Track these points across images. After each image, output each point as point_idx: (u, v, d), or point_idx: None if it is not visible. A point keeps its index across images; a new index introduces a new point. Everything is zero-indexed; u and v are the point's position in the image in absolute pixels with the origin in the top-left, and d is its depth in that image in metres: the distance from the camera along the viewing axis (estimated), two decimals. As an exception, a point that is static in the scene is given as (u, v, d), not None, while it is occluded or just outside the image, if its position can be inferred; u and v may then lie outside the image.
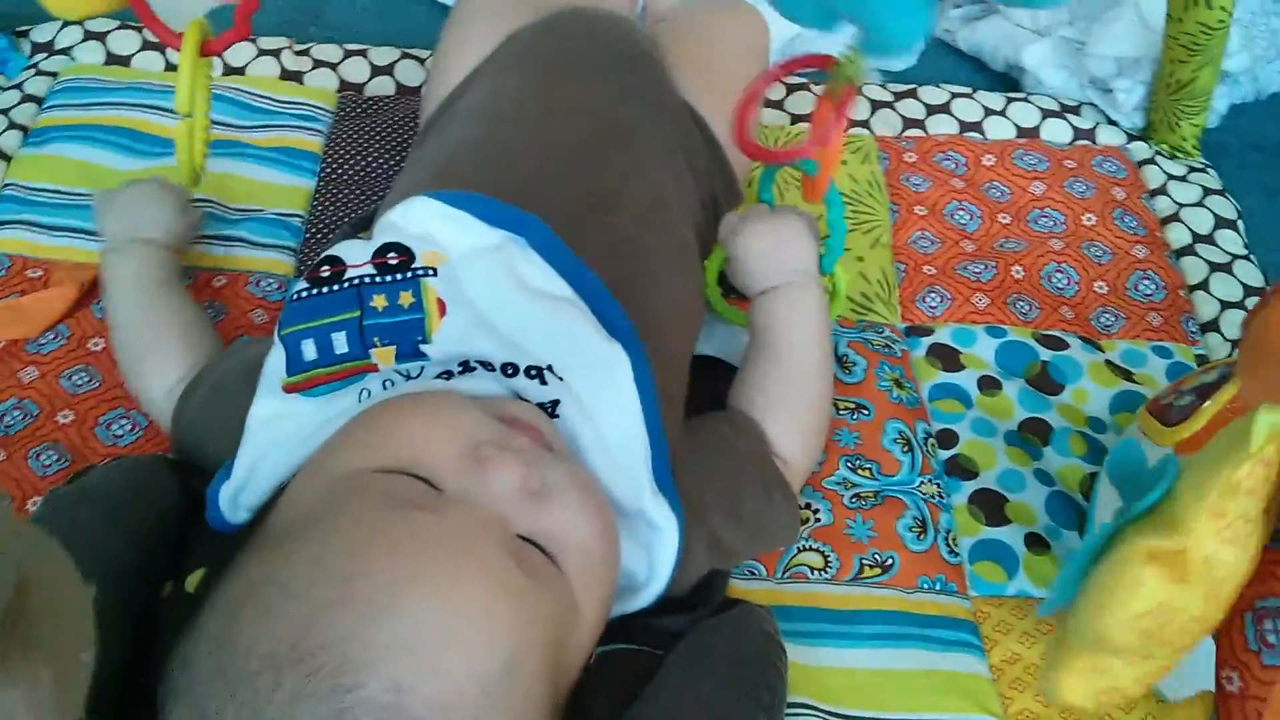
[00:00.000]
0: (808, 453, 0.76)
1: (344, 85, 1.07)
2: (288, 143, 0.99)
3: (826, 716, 0.68)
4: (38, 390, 0.80)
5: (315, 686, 0.47)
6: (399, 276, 0.65)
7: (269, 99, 1.03)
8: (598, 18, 0.91)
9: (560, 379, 0.64)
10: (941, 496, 0.80)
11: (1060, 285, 0.95)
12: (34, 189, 0.92)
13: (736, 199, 0.91)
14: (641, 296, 0.72)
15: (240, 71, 1.05)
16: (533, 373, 0.64)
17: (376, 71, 1.08)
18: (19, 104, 0.99)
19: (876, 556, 0.76)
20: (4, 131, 0.96)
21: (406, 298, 0.65)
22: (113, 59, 1.05)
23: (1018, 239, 0.98)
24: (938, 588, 0.76)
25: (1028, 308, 0.93)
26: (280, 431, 0.63)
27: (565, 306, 0.66)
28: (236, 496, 0.62)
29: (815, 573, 0.75)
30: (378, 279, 0.65)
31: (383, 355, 0.64)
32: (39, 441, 0.77)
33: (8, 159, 0.94)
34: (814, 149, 0.73)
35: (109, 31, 1.06)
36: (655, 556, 0.64)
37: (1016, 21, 1.16)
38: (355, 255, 0.66)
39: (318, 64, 1.08)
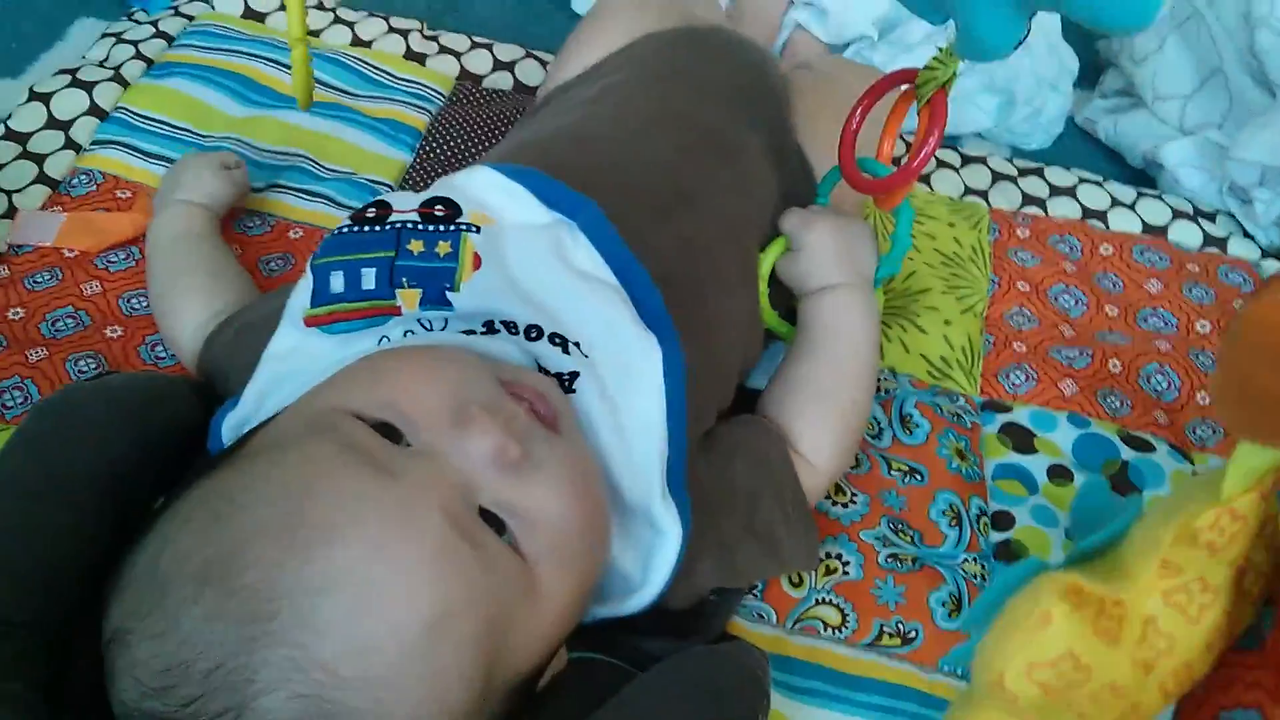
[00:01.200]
0: (839, 457, 0.72)
1: (464, 73, 1.07)
2: (395, 115, 0.99)
3: (807, 781, 0.63)
4: (95, 304, 0.81)
5: (232, 608, 0.46)
6: (441, 227, 0.63)
7: (388, 74, 1.03)
8: (734, 41, 0.89)
9: (585, 356, 0.61)
10: (984, 578, 0.74)
11: (1160, 387, 0.88)
12: (142, 116, 0.94)
13: None
14: (697, 303, 0.69)
15: (367, 45, 1.07)
16: (556, 340, 0.61)
17: (498, 66, 1.08)
18: (150, 38, 1.01)
19: (900, 626, 0.71)
20: (129, 60, 0.98)
21: (444, 247, 0.63)
22: (249, 13, 1.08)
23: (1122, 333, 0.92)
24: (960, 673, 0.70)
25: (1119, 403, 0.87)
26: (294, 365, 0.61)
27: (605, 289, 0.64)
28: (241, 427, 0.61)
29: (830, 630, 0.70)
30: (420, 226, 0.63)
31: (407, 298, 0.62)
32: (83, 349, 0.77)
33: (126, 85, 0.96)
34: (915, 169, 0.71)
35: (252, -13, 1.09)
36: (651, 562, 0.60)
37: (1162, 118, 1.10)
38: (404, 203, 0.65)
39: (443, 50, 1.08)
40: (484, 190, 0.67)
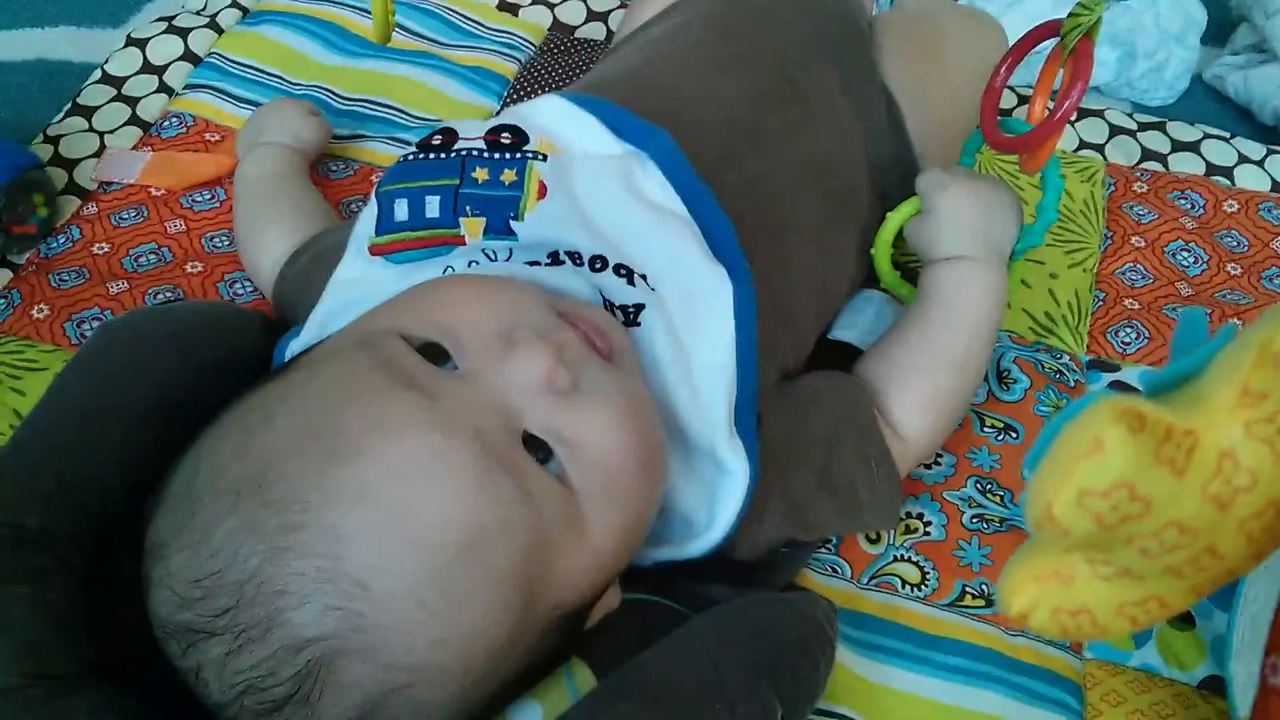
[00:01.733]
0: (929, 435, 0.67)
1: (556, 24, 1.05)
2: (484, 64, 0.97)
3: (874, 740, 0.59)
4: (178, 242, 0.81)
5: (262, 520, 0.45)
6: (507, 155, 0.61)
7: (479, 23, 1.02)
8: None
9: (652, 289, 0.58)
10: (1079, 542, 0.69)
11: (1284, 350, 0.82)
12: (235, 61, 0.94)
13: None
14: (773, 242, 0.66)
15: (457, -8, 1.06)
16: (622, 271, 0.59)
17: (592, 16, 1.06)
18: (248, -12, 1.02)
19: (984, 587, 0.66)
20: (226, 8, 0.99)
21: (509, 175, 0.60)
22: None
23: (1244, 293, 0.86)
24: (1045, 638, 0.65)
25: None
26: (357, 293, 0.60)
27: (675, 221, 0.60)
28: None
29: (908, 588, 0.66)
30: (485, 154, 0.61)
31: (471, 226, 0.60)
32: (163, 282, 0.78)
33: (220, 32, 0.97)
34: (1058, 122, 0.66)
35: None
36: (718, 503, 0.58)
37: (1299, 71, 1.02)
38: (470, 130, 0.63)
39: (537, 1, 1.06)
40: (552, 119, 0.64)
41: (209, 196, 0.84)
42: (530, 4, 1.06)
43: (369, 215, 0.61)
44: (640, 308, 0.58)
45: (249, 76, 0.93)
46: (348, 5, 1.01)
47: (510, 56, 0.99)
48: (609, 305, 0.58)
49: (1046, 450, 0.34)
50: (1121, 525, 0.35)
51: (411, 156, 0.62)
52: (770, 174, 0.68)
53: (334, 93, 0.93)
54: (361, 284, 0.61)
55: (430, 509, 0.45)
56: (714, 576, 0.60)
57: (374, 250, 0.61)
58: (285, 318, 0.69)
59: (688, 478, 0.58)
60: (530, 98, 0.91)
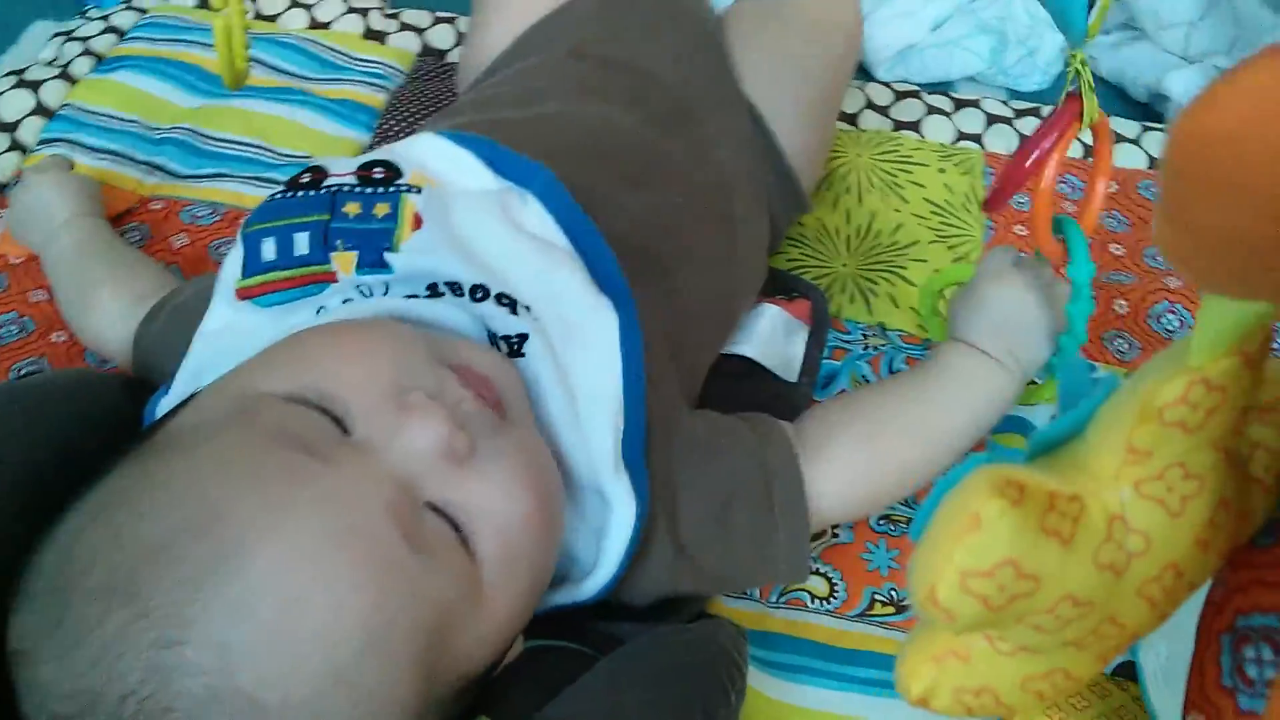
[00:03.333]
0: (842, 507, 0.63)
1: (426, 50, 1.03)
2: (351, 95, 0.95)
3: (792, 764, 0.58)
4: (40, 310, 0.77)
5: (139, 632, 0.41)
6: (380, 189, 0.59)
7: (345, 55, 1.00)
8: None
9: (535, 319, 0.57)
10: (984, 538, 0.69)
11: (1170, 327, 0.83)
12: (89, 111, 0.91)
13: (800, 207, 0.82)
14: (668, 273, 0.64)
15: (325, 26, 1.03)
16: (504, 300, 0.56)
17: (462, 40, 1.04)
18: (100, 34, 0.99)
19: (893, 593, 0.65)
20: (78, 57, 0.95)
21: (382, 208, 0.58)
22: (204, 3, 1.04)
23: (1128, 273, 0.86)
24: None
25: (1126, 346, 0.81)
26: (227, 343, 0.57)
27: (556, 252, 0.59)
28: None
29: (817, 601, 0.65)
30: (357, 188, 0.59)
31: (343, 261, 0.57)
32: (26, 355, 0.74)
33: (74, 82, 0.93)
34: (1026, 169, 0.63)
35: (206, -21, 1.06)
36: (606, 540, 0.55)
37: (1166, 47, 1.04)
38: (340, 167, 0.60)
39: (405, 27, 1.04)
40: (428, 156, 0.62)
41: (69, 259, 0.80)
42: (398, 31, 1.04)
43: (235, 258, 0.58)
44: (524, 337, 0.56)
45: (107, 125, 0.90)
46: (208, 45, 0.97)
47: (379, 86, 0.97)
48: (492, 336, 0.56)
49: (926, 523, 0.33)
50: (1010, 605, 0.33)
51: (279, 195, 0.59)
52: (663, 204, 0.66)
53: (198, 133, 0.90)
54: (231, 332, 0.58)
55: (327, 608, 0.42)
56: (622, 614, 0.58)
57: (241, 293, 0.58)
58: (150, 380, 0.66)
59: (575, 516, 0.56)
60: (404, 125, 0.90)
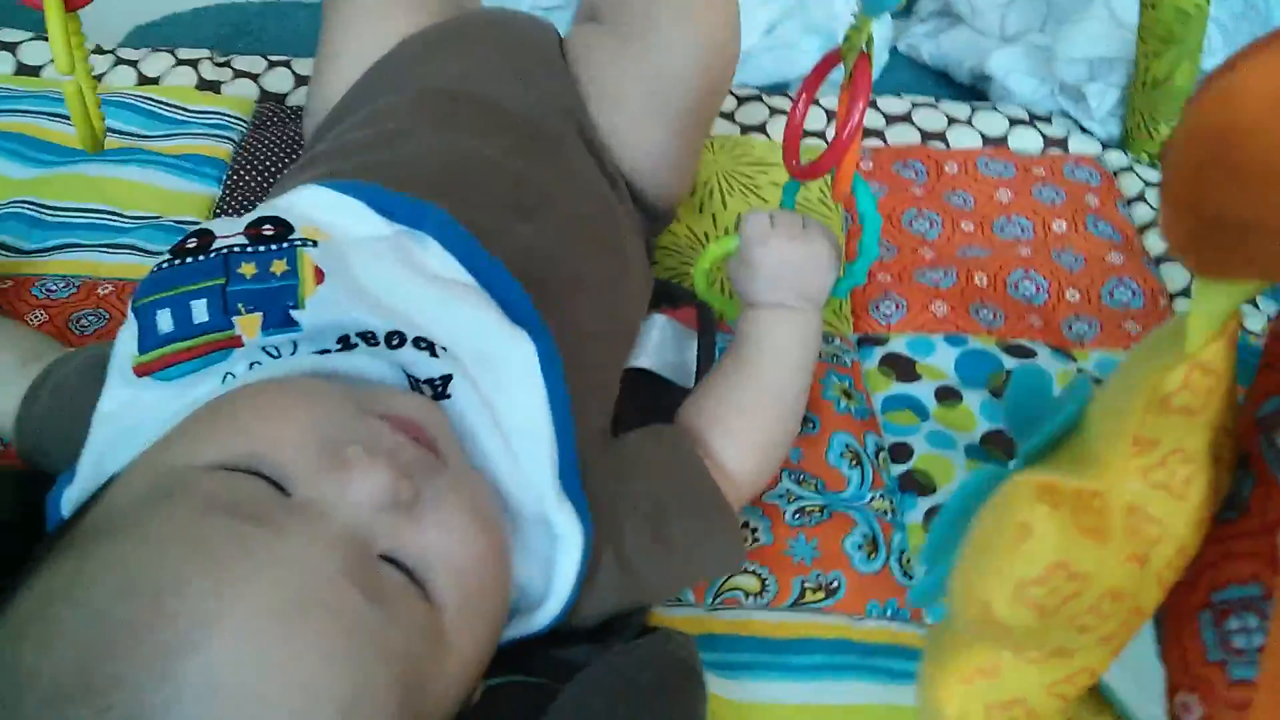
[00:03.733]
0: (756, 476, 0.67)
1: (265, 95, 1.01)
2: (194, 150, 0.92)
3: (756, 759, 0.59)
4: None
5: None
6: (274, 246, 0.57)
7: (180, 108, 0.96)
8: (505, 20, 0.84)
9: (455, 359, 0.56)
10: (894, 513, 0.71)
11: (1029, 293, 0.87)
12: (-84, 198, 0.85)
13: (664, 218, 0.84)
14: (562, 301, 0.64)
15: (155, 82, 0.99)
16: (422, 344, 0.56)
17: (300, 81, 1.02)
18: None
19: (820, 579, 0.67)
20: (-112, 140, 0.89)
21: (279, 266, 0.56)
22: (23, 69, 0.99)
23: (982, 246, 0.91)
24: (890, 614, 0.67)
25: (992, 315, 0.85)
26: (130, 422, 0.55)
27: (464, 291, 0.58)
28: (81, 504, 0.54)
29: (750, 598, 0.66)
30: (249, 248, 0.57)
31: (247, 324, 0.55)
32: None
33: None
34: (844, 142, 0.66)
35: (20, 42, 1.01)
36: (554, 570, 0.56)
37: (983, 30, 1.10)
38: (227, 229, 0.58)
39: (239, 74, 1.02)
40: (314, 207, 0.60)
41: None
42: (232, 79, 1.01)
43: (128, 334, 0.55)
44: (448, 378, 0.55)
45: (-67, 209, 0.84)
46: (34, 113, 0.93)
47: (222, 137, 0.94)
48: (414, 381, 0.56)
49: (945, 542, 0.33)
50: (1061, 608, 0.34)
51: (166, 264, 0.57)
52: (544, 236, 0.66)
53: (39, 205, 0.86)
54: (132, 411, 0.55)
55: (299, 683, 0.41)
56: (568, 638, 0.58)
57: (140, 370, 0.55)
58: (40, 466, 0.63)
59: (520, 550, 0.56)
60: (256, 175, 0.88)
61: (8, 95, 0.95)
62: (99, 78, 0.99)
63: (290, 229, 0.58)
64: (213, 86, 1.00)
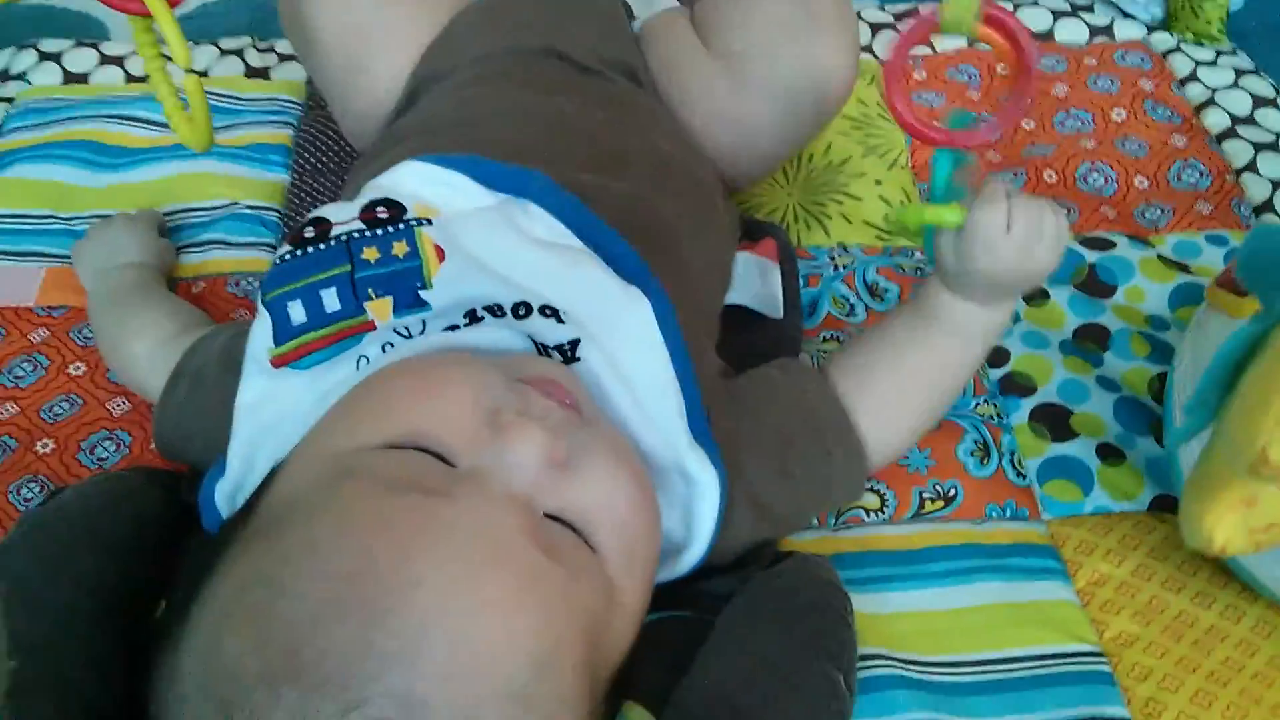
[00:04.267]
0: (894, 447, 0.65)
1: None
2: (257, 139, 0.93)
3: (903, 665, 0.61)
4: (16, 425, 0.74)
5: (318, 704, 0.41)
6: (391, 229, 0.58)
7: (234, 98, 0.97)
8: None
9: (579, 323, 0.57)
10: (1000, 417, 0.73)
11: (1098, 185, 0.88)
12: (-7, 217, 0.87)
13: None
14: (667, 251, 0.65)
15: (204, 75, 1.00)
16: (548, 311, 0.57)
17: (345, 59, 1.02)
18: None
19: (938, 488, 0.69)
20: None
21: (401, 247, 0.58)
22: (71, 78, 1.00)
23: (1045, 143, 0.91)
24: (1008, 514, 0.69)
25: (1067, 210, 0.84)
26: (272, 414, 0.56)
27: (575, 254, 0.60)
28: (235, 495, 0.56)
29: (871, 515, 0.68)
30: (367, 233, 0.58)
31: (379, 309, 0.57)
32: (19, 475, 0.71)
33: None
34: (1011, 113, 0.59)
35: (64, 51, 1.02)
36: (694, 516, 0.57)
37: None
38: (341, 214, 0.60)
39: (284, 58, 1.02)
40: (418, 184, 0.62)
41: (31, 368, 0.77)
42: (278, 63, 1.02)
43: (262, 327, 0.57)
44: (576, 343, 0.57)
45: (18, 227, 0.86)
46: (97, 118, 0.93)
47: (280, 122, 0.95)
48: (543, 349, 0.57)
49: (1211, 393, 0.35)
50: None
51: (289, 255, 0.58)
52: (639, 186, 0.67)
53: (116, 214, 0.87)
54: (274, 402, 0.57)
55: (497, 639, 0.43)
56: (706, 572, 0.60)
57: (278, 361, 0.57)
58: (174, 453, 0.65)
59: (662, 498, 0.57)
60: (323, 158, 0.89)
61: (63, 105, 0.95)
62: (144, 79, 0.99)
63: (403, 209, 0.59)
64: (261, 73, 1.01)
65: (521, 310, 0.57)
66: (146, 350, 0.68)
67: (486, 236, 0.59)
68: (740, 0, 0.79)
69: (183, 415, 0.64)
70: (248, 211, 0.87)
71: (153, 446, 0.69)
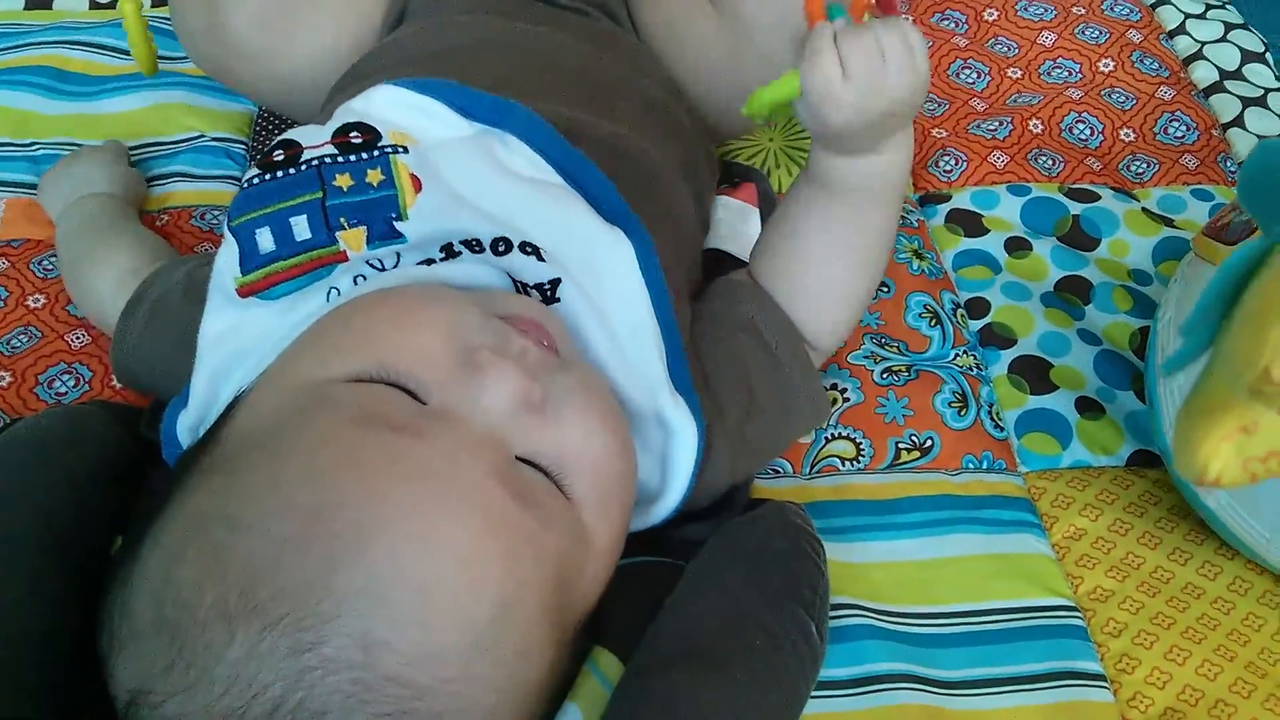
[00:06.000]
0: (838, 338, 0.66)
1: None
2: (224, 68, 0.90)
3: (875, 615, 0.60)
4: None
5: (273, 642, 0.40)
6: (365, 155, 0.56)
7: (202, 26, 0.94)
8: None
9: (560, 262, 0.56)
10: (979, 368, 0.72)
11: (1084, 136, 0.87)
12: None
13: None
14: (650, 192, 0.63)
15: (164, 2, 0.97)
16: (528, 249, 0.55)
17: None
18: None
19: (914, 438, 0.68)
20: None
21: (375, 175, 0.56)
22: (33, 3, 0.97)
23: (1031, 92, 0.90)
24: (985, 466, 0.68)
25: (1051, 162, 0.85)
26: (239, 345, 0.55)
27: (556, 190, 0.58)
28: (198, 428, 0.55)
29: (847, 463, 0.67)
30: (340, 158, 0.56)
31: (351, 239, 0.55)
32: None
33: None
34: None
35: (26, -25, 0.98)
36: (671, 465, 0.56)
37: None
38: (313, 137, 0.57)
39: (252, -13, 0.99)
40: (392, 110, 0.59)
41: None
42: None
43: (228, 254, 0.55)
44: (556, 282, 0.55)
45: (-27, 154, 0.83)
46: (57, 44, 0.90)
47: (249, 53, 0.92)
48: (522, 287, 0.55)
49: (1210, 314, 0.34)
50: None
51: (257, 179, 0.56)
52: (624, 124, 0.65)
53: (78, 145, 0.84)
54: (240, 332, 0.55)
55: (461, 582, 0.42)
56: (681, 518, 0.59)
57: (244, 290, 0.55)
58: (133, 381, 0.64)
59: (638, 444, 0.56)
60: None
61: (24, 30, 0.92)
62: (112, 3, 0.96)
63: (378, 135, 0.57)
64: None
65: (501, 246, 0.55)
66: (112, 280, 0.66)
67: (465, 167, 0.57)
68: None
69: (142, 342, 0.62)
70: (213, 144, 0.85)
71: (114, 382, 0.67)
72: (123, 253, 0.68)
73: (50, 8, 0.97)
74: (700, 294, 0.66)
